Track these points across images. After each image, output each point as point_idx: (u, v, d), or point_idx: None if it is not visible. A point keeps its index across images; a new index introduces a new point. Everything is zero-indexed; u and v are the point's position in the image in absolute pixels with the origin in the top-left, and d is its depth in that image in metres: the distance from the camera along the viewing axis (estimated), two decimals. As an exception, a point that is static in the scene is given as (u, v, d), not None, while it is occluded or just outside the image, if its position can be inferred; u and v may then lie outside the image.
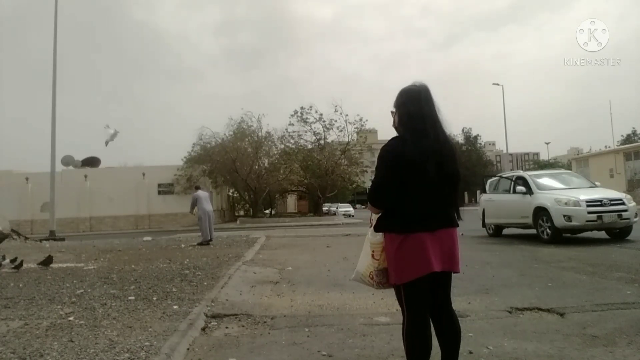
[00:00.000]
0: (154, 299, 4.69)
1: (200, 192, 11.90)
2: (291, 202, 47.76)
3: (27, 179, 29.57)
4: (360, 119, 30.95)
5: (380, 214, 2.18)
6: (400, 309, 2.24)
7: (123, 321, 3.79)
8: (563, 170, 14.22)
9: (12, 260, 7.28)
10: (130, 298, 4.73)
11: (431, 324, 2.16)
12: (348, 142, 31.21)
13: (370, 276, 2.23)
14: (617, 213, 8.82)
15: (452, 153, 2.17)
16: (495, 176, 13.33)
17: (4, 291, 5.30)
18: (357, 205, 58.81)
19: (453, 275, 2.20)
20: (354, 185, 36.20)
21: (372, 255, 2.19)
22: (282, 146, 31.84)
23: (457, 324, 2.22)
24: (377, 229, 2.16)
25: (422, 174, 2.04)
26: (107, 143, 7.95)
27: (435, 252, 2.05)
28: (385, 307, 4.22)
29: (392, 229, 2.09)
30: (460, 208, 2.25)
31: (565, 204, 8.98)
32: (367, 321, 3.82)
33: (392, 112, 2.28)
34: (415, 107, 2.14)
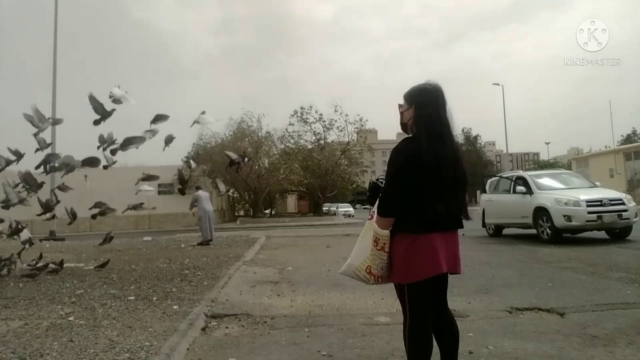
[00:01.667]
0: (154, 299, 4.69)
1: (200, 192, 11.90)
2: (291, 202, 47.74)
3: (27, 179, 29.52)
4: (360, 119, 31.00)
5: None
6: (400, 308, 2.24)
7: (123, 321, 3.79)
8: (563, 170, 14.22)
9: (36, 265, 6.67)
10: (130, 298, 4.73)
11: None
12: (348, 142, 31.22)
13: (367, 270, 2.17)
14: (617, 213, 8.82)
15: (461, 156, 2.18)
16: (495, 176, 13.33)
17: (4, 291, 5.30)
18: (357, 205, 58.79)
19: (454, 275, 2.20)
20: (354, 185, 36.22)
21: (382, 249, 2.10)
22: (282, 146, 31.87)
23: (455, 325, 2.22)
24: (393, 229, 2.11)
25: (437, 177, 2.04)
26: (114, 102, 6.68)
27: (443, 253, 2.06)
28: (385, 307, 4.22)
29: (406, 229, 2.07)
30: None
31: (565, 204, 8.97)
32: (367, 321, 3.82)
33: (399, 106, 2.23)
34: (434, 110, 2.12)
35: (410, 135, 2.17)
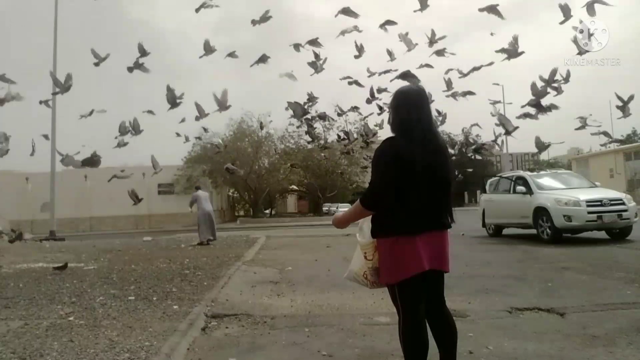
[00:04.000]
0: (154, 299, 4.69)
1: (200, 192, 11.89)
2: (291, 202, 47.78)
3: (27, 179, 29.56)
4: (361, 119, 31.00)
5: (371, 217, 2.19)
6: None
7: (123, 321, 3.79)
8: (563, 171, 14.22)
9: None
10: (130, 298, 4.73)
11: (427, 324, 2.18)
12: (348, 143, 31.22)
13: (364, 276, 2.26)
14: (617, 213, 8.82)
15: (443, 159, 2.19)
16: (495, 176, 13.33)
17: (4, 291, 5.30)
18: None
19: (453, 275, 2.22)
20: (354, 185, 36.23)
21: (365, 257, 2.22)
22: (282, 146, 31.89)
23: (452, 324, 2.24)
24: (373, 234, 2.18)
25: (414, 177, 2.06)
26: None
27: (426, 252, 2.08)
28: (385, 307, 4.21)
29: (386, 232, 2.11)
30: (460, 208, 2.26)
31: (565, 204, 8.97)
32: (367, 321, 3.82)
33: (388, 109, 2.33)
34: (406, 112, 2.17)
35: (392, 136, 2.21)
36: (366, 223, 2.23)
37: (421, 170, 2.06)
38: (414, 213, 2.07)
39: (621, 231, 9.22)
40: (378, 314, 4.02)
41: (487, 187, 12.42)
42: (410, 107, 2.17)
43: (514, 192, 10.50)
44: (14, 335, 3.43)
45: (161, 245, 11.52)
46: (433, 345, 2.18)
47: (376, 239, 2.17)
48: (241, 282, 5.79)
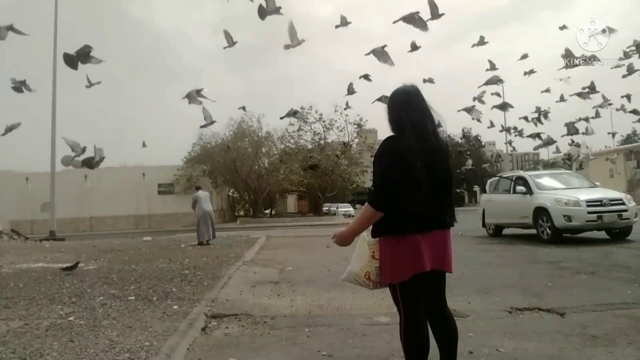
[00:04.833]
0: (154, 299, 4.69)
1: (200, 193, 11.89)
2: (291, 202, 47.76)
3: (27, 179, 29.59)
4: (361, 119, 31.03)
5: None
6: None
7: (123, 321, 3.79)
8: (563, 171, 14.22)
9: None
10: (130, 298, 4.73)
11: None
12: (348, 142, 31.23)
13: (367, 276, 2.23)
14: (617, 213, 8.82)
15: (444, 157, 2.19)
16: (495, 176, 13.34)
17: (4, 291, 5.29)
18: (357, 205, 58.70)
19: (453, 275, 2.21)
20: (354, 185, 36.26)
21: (373, 256, 2.20)
22: (282, 146, 31.89)
23: (453, 324, 2.24)
24: (374, 234, 2.17)
25: (416, 176, 2.06)
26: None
27: (428, 252, 2.08)
28: (386, 307, 4.21)
29: (388, 231, 2.10)
30: (460, 208, 2.26)
31: (565, 204, 8.98)
32: (367, 321, 3.82)
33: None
34: (397, 113, 2.19)
35: (392, 135, 2.21)
36: None
37: (421, 168, 2.06)
38: (417, 212, 2.07)
39: (621, 231, 9.22)
40: (378, 314, 4.02)
41: (487, 187, 12.43)
42: (401, 107, 2.18)
43: (514, 192, 10.50)
44: (14, 335, 3.43)
45: (161, 245, 11.52)
46: (433, 345, 2.18)
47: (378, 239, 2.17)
48: (241, 282, 5.80)
